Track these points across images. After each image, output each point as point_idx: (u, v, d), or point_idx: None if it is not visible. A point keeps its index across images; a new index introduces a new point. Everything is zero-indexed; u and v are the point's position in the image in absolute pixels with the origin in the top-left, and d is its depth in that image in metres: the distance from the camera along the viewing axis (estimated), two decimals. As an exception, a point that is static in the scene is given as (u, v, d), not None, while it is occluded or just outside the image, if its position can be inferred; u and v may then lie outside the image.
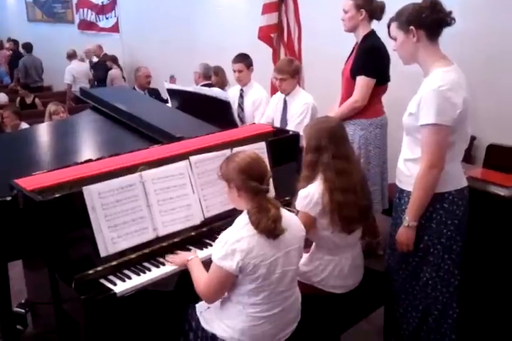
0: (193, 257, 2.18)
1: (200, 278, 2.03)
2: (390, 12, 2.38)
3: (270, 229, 1.91)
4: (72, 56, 8.46)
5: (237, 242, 1.89)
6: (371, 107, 3.43)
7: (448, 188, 2.27)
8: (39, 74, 9.48)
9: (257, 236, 1.91)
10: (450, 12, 2.20)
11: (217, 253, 1.92)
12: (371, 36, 3.38)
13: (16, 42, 11.28)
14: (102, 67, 8.49)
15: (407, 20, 2.22)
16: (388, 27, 2.34)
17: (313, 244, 2.47)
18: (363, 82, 3.34)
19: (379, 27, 3.26)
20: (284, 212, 2.04)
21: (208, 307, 2.11)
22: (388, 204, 3.67)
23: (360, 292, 2.52)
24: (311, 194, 2.32)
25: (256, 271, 1.90)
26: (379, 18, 3.37)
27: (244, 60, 4.28)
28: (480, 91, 3.70)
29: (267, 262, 1.92)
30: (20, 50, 10.69)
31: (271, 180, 2.69)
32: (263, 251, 1.91)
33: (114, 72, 8.31)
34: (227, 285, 1.97)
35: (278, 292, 1.99)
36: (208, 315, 2.10)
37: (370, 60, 3.32)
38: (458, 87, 2.17)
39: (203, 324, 2.11)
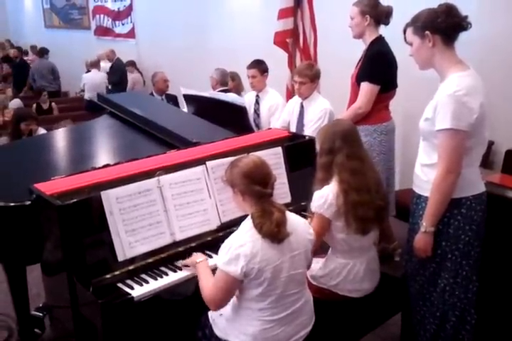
0: (201, 260, 2.19)
1: (206, 283, 2.03)
2: (404, 17, 2.37)
3: (273, 233, 1.91)
4: (92, 65, 8.49)
5: (241, 247, 1.88)
6: (375, 113, 3.43)
7: (465, 193, 2.26)
8: (47, 79, 9.44)
9: (261, 241, 1.90)
10: (466, 16, 2.20)
11: (222, 258, 1.92)
12: (378, 42, 3.38)
13: (20, 49, 11.40)
14: (116, 71, 8.56)
15: (423, 25, 2.22)
16: (404, 32, 2.34)
17: (330, 248, 2.46)
18: (366, 89, 3.35)
19: (390, 31, 3.26)
20: (291, 216, 2.04)
21: (220, 315, 2.11)
22: (395, 210, 3.66)
23: (377, 298, 2.51)
24: (325, 195, 2.33)
25: (261, 275, 1.90)
26: (386, 23, 3.37)
27: (258, 65, 4.31)
28: (498, 96, 3.68)
29: (272, 266, 1.91)
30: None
31: (286, 185, 2.74)
32: (267, 255, 1.90)
33: (135, 76, 8.41)
34: (233, 290, 1.97)
35: (285, 296, 1.99)
36: (220, 322, 2.10)
37: (375, 67, 3.33)
38: (474, 92, 2.15)
39: (216, 331, 2.11)
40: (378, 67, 3.32)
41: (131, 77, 8.49)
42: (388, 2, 3.45)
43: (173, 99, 5.82)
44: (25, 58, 11.00)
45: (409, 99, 3.59)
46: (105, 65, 8.86)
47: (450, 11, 2.18)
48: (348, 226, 2.33)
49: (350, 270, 2.42)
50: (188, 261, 2.26)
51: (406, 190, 3.58)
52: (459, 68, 2.22)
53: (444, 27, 2.18)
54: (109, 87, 8.40)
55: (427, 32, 2.20)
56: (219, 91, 4.88)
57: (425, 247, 2.30)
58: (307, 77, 3.63)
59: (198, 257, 2.23)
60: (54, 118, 7.01)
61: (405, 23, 2.32)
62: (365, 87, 3.35)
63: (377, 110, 3.43)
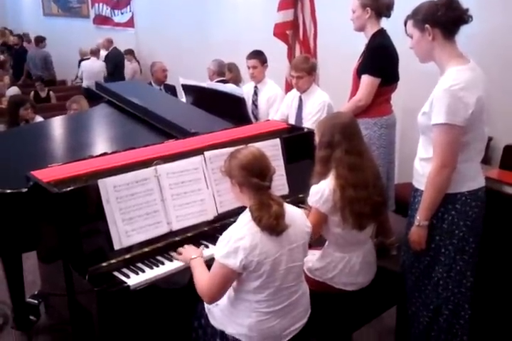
0: (195, 257, 2.16)
1: (202, 278, 2.01)
2: (405, 10, 2.36)
3: (272, 225, 1.90)
4: (92, 53, 8.47)
5: (240, 240, 1.87)
6: (376, 106, 3.42)
7: (460, 189, 2.25)
8: (39, 68, 9.39)
9: (260, 234, 1.90)
10: (467, 10, 2.17)
11: (221, 251, 1.91)
12: (379, 35, 3.37)
13: (20, 36, 11.35)
14: (110, 61, 8.55)
15: (423, 18, 2.20)
16: (405, 25, 2.33)
17: (326, 241, 2.46)
18: (367, 81, 3.34)
19: (391, 24, 3.25)
20: (289, 208, 2.03)
21: (216, 305, 2.10)
22: (395, 204, 3.65)
23: (373, 291, 2.51)
24: (322, 190, 2.31)
25: (260, 268, 1.90)
26: (387, 16, 3.36)
27: (258, 56, 4.29)
28: (496, 91, 3.66)
29: (271, 259, 1.91)
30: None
31: (284, 177, 2.74)
32: (266, 248, 1.90)
33: (135, 65, 8.46)
34: (230, 283, 1.96)
35: (283, 288, 1.99)
36: (216, 313, 2.10)
37: (376, 59, 3.32)
38: (471, 86, 2.14)
39: (212, 321, 2.11)
40: (379, 60, 3.31)
41: (131, 66, 8.47)
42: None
43: (171, 89, 5.80)
44: (25, 45, 10.94)
45: (409, 93, 3.58)
46: (104, 53, 8.83)
47: (451, 3, 2.16)
48: (344, 221, 2.31)
49: (346, 263, 2.42)
50: (181, 257, 2.25)
51: (404, 184, 3.59)
52: (459, 62, 2.20)
53: (444, 20, 2.16)
54: (105, 74, 8.42)
55: (427, 25, 2.19)
56: (217, 81, 4.87)
57: (419, 240, 2.31)
58: (304, 71, 3.61)
59: (191, 253, 2.21)
60: (52, 107, 6.99)
61: (406, 15, 2.31)
62: (366, 79, 3.34)
63: (378, 103, 3.41)
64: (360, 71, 3.39)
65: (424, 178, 2.25)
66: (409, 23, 2.28)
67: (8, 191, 2.32)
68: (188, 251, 2.26)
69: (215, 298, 1.99)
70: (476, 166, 2.32)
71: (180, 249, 2.29)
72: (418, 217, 2.28)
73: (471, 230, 2.30)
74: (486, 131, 2.29)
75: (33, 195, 2.26)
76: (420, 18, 2.21)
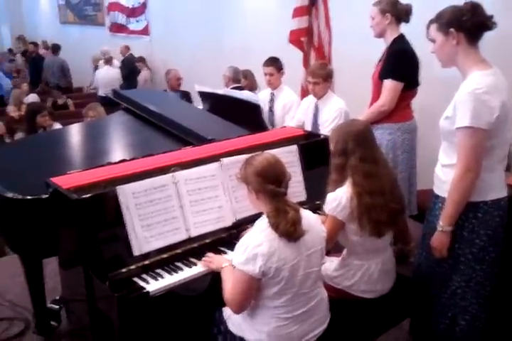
0: (227, 265, 2.15)
1: (228, 287, 2.01)
2: (421, 17, 2.35)
3: (289, 232, 1.90)
4: (106, 61, 8.59)
5: (258, 247, 1.88)
6: (399, 111, 3.39)
7: (483, 198, 2.23)
8: (56, 75, 9.53)
9: (278, 240, 1.90)
10: (491, 16, 2.17)
11: (239, 258, 1.91)
12: (400, 40, 3.36)
13: (36, 44, 11.50)
14: (127, 65, 8.67)
15: (448, 22, 2.19)
16: (427, 28, 2.31)
17: (345, 249, 2.46)
18: (390, 86, 3.32)
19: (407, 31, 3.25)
20: (305, 213, 2.03)
21: None
22: (417, 210, 3.63)
23: (392, 299, 2.48)
24: (339, 197, 2.30)
25: (278, 274, 1.90)
26: (406, 21, 3.36)
27: (275, 63, 4.32)
28: (510, 96, 3.64)
29: (289, 265, 1.91)
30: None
31: (301, 183, 2.74)
32: (284, 254, 1.90)
33: (146, 73, 8.52)
34: (252, 290, 1.95)
35: (301, 294, 1.99)
36: (235, 319, 2.09)
37: (398, 64, 3.30)
38: (495, 91, 2.13)
39: (231, 327, 2.11)
40: (401, 65, 3.29)
41: (143, 74, 8.55)
42: (405, 1, 3.43)
43: (186, 96, 5.84)
44: (41, 52, 11.06)
45: (426, 99, 3.55)
46: (118, 61, 8.94)
47: (475, 9, 2.16)
48: (362, 228, 2.30)
49: (365, 271, 2.40)
50: (212, 266, 2.23)
51: (420, 190, 3.57)
52: (482, 67, 2.19)
53: (469, 25, 2.15)
54: (121, 81, 8.52)
55: (452, 29, 2.18)
56: (232, 88, 4.89)
57: (441, 247, 2.28)
58: (320, 77, 3.63)
59: (222, 261, 2.20)
60: (70, 114, 7.07)
61: (429, 20, 2.29)
62: (389, 84, 3.31)
63: (401, 108, 3.39)
64: (382, 76, 3.36)
65: (446, 185, 2.23)
66: (433, 26, 2.27)
67: (29, 197, 2.35)
68: (218, 259, 2.25)
69: (238, 306, 1.97)
70: (500, 175, 2.29)
71: (206, 258, 2.28)
72: (441, 223, 2.25)
73: (492, 239, 2.27)
74: (508, 136, 2.26)
75: (52, 201, 2.29)
76: (445, 22, 2.20)
